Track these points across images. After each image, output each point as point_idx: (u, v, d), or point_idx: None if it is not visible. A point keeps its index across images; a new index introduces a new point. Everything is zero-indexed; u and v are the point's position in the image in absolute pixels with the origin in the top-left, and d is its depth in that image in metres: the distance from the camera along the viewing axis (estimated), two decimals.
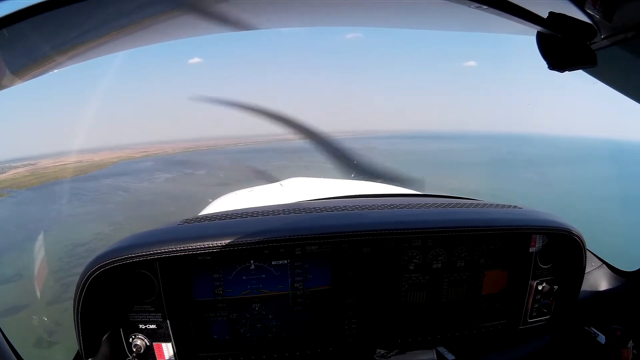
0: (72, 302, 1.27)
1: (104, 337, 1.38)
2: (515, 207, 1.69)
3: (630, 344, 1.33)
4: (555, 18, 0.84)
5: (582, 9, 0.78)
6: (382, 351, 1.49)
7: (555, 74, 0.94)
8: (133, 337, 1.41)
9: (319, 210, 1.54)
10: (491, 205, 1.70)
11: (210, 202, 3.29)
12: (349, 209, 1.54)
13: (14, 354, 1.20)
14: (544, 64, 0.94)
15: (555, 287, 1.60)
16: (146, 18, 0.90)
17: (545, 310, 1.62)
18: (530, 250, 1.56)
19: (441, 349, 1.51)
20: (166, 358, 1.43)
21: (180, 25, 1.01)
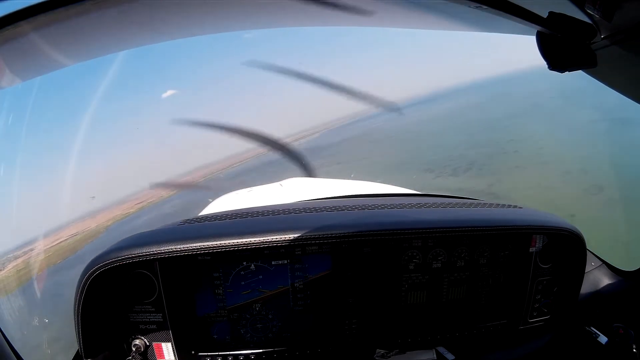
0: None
1: (104, 337, 1.38)
2: (515, 206, 1.69)
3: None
4: (555, 18, 0.84)
5: (581, 9, 0.78)
6: (382, 351, 1.49)
7: None
8: (133, 337, 1.41)
9: (319, 210, 1.54)
10: (491, 205, 1.70)
11: (210, 202, 3.29)
12: (349, 209, 1.54)
13: (13, 354, 1.20)
14: None
15: (555, 287, 1.60)
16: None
17: (545, 310, 1.62)
18: (531, 250, 1.56)
19: (441, 349, 1.51)
20: (166, 358, 1.43)
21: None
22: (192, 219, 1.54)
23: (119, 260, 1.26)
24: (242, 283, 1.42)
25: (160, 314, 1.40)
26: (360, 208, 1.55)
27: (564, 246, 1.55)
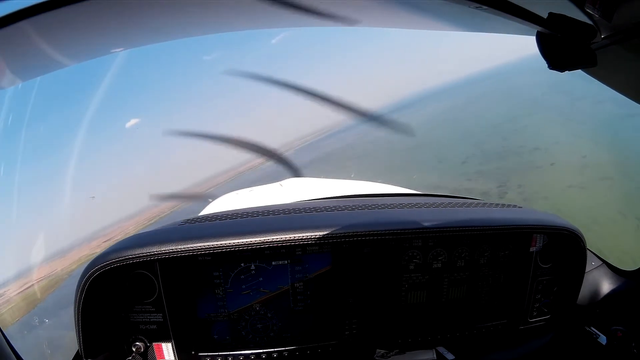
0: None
1: (104, 338, 1.38)
2: (515, 206, 1.69)
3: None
4: (555, 18, 0.84)
5: (581, 9, 0.78)
6: (382, 351, 1.49)
7: None
8: (133, 337, 1.41)
9: (319, 210, 1.55)
10: (491, 205, 1.70)
11: (211, 202, 3.29)
12: (349, 209, 1.54)
13: (13, 354, 1.20)
14: None
15: (556, 286, 1.60)
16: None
17: (545, 310, 1.62)
18: (531, 250, 1.56)
19: (441, 349, 1.51)
20: (166, 358, 1.43)
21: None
22: (192, 219, 1.54)
23: (120, 260, 1.26)
24: (243, 286, 1.42)
25: (161, 314, 1.40)
26: (360, 208, 1.55)
27: (564, 246, 1.55)
